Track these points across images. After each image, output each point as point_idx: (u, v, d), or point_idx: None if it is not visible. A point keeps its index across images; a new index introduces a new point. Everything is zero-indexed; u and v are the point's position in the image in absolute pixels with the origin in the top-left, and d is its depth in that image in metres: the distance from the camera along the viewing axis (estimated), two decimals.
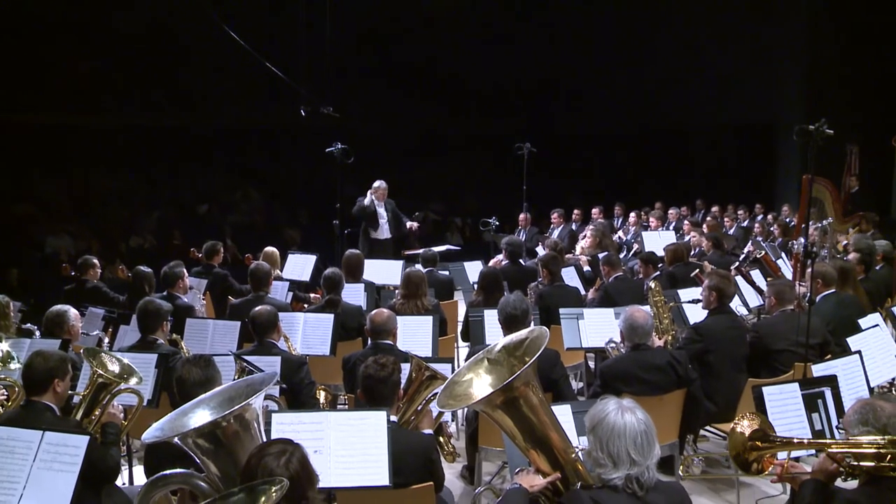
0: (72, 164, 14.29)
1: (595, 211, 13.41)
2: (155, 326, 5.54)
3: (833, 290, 6.71)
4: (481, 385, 3.25)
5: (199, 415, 3.13)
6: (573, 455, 3.12)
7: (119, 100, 14.58)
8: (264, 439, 3.07)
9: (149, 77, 14.42)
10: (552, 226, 13.06)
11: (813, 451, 3.88)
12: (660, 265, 8.65)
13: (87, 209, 14.71)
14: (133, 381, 4.43)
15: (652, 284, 6.51)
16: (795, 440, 3.57)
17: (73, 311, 5.79)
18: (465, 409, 5.57)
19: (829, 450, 3.26)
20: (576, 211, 13.38)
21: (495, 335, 5.73)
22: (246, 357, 4.86)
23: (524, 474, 3.16)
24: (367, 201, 10.53)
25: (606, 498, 2.83)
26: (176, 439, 2.93)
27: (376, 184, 10.65)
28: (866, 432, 3.11)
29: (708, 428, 5.83)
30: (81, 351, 4.70)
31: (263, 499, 2.14)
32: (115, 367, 4.43)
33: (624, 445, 2.82)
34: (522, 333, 3.37)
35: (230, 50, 11.07)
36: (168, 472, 2.95)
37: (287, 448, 2.66)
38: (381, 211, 10.69)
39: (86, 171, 14.79)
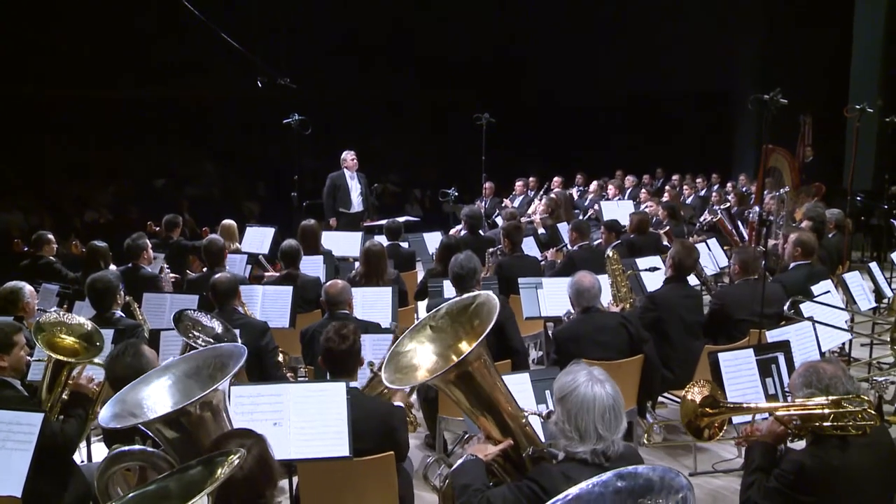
0: (22, 136, 13.95)
1: (556, 180, 13.34)
2: (109, 302, 5.41)
3: (808, 262, 6.69)
4: (425, 353, 3.16)
5: (157, 388, 3.00)
6: (523, 420, 3.10)
7: (71, 70, 14.24)
8: (231, 421, 2.97)
9: (102, 48, 14.10)
10: (514, 194, 13.06)
11: (766, 415, 3.95)
12: (623, 233, 8.71)
13: (38, 183, 14.41)
14: (95, 353, 4.29)
15: (610, 253, 6.56)
16: (744, 405, 3.64)
17: (28, 288, 5.62)
18: None
19: (777, 413, 3.34)
20: (531, 179, 13.34)
21: None
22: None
23: (475, 443, 3.14)
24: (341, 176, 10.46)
25: (576, 472, 2.77)
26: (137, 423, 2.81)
27: (344, 154, 10.54)
28: (811, 394, 3.19)
29: (665, 395, 5.92)
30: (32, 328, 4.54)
31: (220, 470, 2.11)
32: (70, 337, 4.29)
33: (591, 420, 2.79)
34: (466, 298, 3.26)
35: (186, 21, 10.85)
36: (126, 448, 2.90)
37: (245, 443, 2.46)
38: (354, 183, 10.57)
39: (37, 144, 14.46)
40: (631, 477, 1.81)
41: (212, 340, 4.45)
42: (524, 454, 3.05)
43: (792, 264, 6.65)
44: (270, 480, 2.50)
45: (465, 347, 3.07)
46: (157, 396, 2.96)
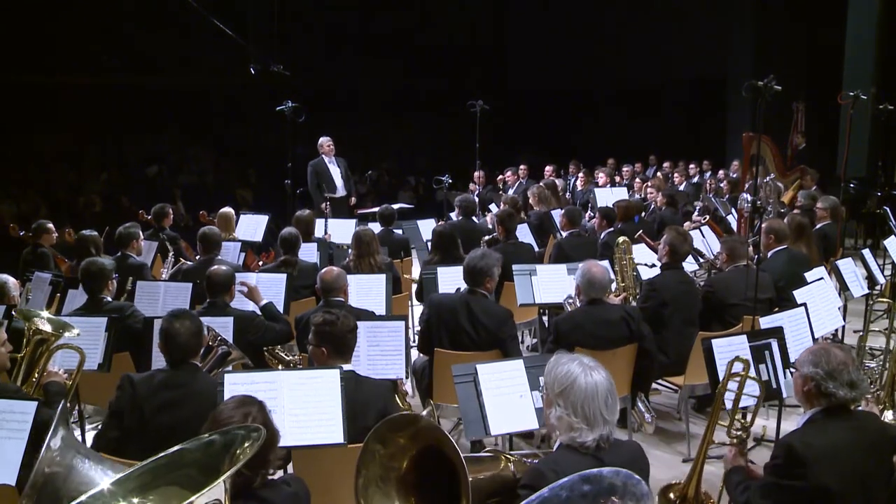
0: (13, 125, 13.89)
1: (548, 169, 13.26)
2: (101, 286, 5.45)
3: (784, 247, 6.76)
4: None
5: None
6: (501, 465, 3.02)
7: (64, 58, 14.17)
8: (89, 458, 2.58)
9: (95, 35, 14.02)
10: (507, 185, 13.02)
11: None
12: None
13: (30, 172, 14.35)
14: (73, 332, 4.33)
15: (620, 240, 6.55)
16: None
17: (12, 280, 5.66)
18: (413, 363, 5.56)
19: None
20: (522, 167, 13.27)
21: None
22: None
23: None
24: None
25: (565, 462, 2.74)
26: None
27: (322, 140, 10.67)
28: (815, 373, 3.18)
29: (659, 381, 5.93)
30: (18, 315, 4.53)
31: (239, 450, 2.04)
32: (47, 328, 4.31)
33: (598, 406, 2.79)
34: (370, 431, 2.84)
35: (178, 7, 10.80)
36: None
37: (251, 411, 2.54)
38: (334, 168, 10.65)
39: (28, 132, 14.40)
40: (596, 480, 1.89)
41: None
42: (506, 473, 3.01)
43: (769, 253, 6.68)
44: (273, 445, 2.55)
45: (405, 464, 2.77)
46: None
